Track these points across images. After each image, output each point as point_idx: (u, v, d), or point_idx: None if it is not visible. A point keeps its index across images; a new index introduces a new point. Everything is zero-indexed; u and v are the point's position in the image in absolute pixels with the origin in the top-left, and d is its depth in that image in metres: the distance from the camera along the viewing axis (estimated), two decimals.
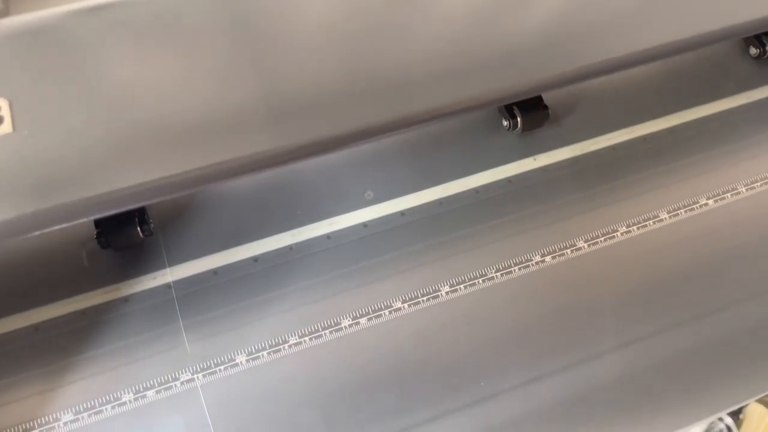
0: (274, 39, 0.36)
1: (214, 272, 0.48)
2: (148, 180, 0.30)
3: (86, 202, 0.30)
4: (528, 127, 0.55)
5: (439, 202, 0.53)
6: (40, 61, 0.34)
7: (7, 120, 0.31)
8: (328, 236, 0.51)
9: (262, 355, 0.46)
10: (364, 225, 0.52)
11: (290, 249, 0.50)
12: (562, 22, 0.38)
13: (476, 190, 0.54)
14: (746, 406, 0.80)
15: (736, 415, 0.81)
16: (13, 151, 0.30)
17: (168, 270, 0.48)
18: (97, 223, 0.45)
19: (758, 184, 0.56)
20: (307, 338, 0.47)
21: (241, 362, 0.45)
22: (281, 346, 0.46)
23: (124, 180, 0.30)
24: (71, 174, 0.30)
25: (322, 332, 0.47)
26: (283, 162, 0.33)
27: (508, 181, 0.54)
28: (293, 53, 0.36)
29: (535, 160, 0.56)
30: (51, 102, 0.32)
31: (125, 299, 0.47)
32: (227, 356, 0.45)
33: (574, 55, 0.37)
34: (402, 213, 0.52)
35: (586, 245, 0.52)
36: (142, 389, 0.44)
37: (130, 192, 0.30)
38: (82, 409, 0.43)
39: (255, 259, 0.49)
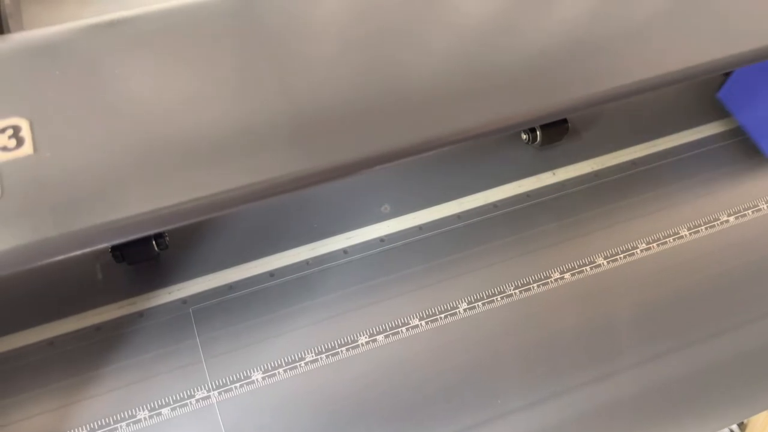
0: (300, 58, 0.35)
1: (230, 287, 0.48)
2: (174, 203, 0.30)
3: (110, 227, 0.29)
4: (547, 141, 0.55)
5: (458, 217, 0.52)
6: (61, 78, 0.33)
7: (28, 141, 0.30)
8: (345, 251, 0.50)
9: (279, 372, 0.45)
10: (381, 239, 0.51)
11: (307, 263, 0.49)
12: (594, 42, 0.38)
13: (495, 205, 0.53)
14: None
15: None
16: (35, 174, 0.29)
17: (183, 284, 0.47)
18: None
19: None
20: (323, 355, 0.46)
21: (257, 379, 0.45)
22: (297, 364, 0.46)
23: (149, 203, 0.29)
24: (95, 197, 0.29)
25: (339, 349, 0.46)
26: (310, 184, 0.33)
27: (527, 195, 0.54)
28: (317, 72, 0.35)
29: (554, 174, 0.55)
30: (73, 122, 0.31)
31: (140, 314, 0.46)
32: (243, 373, 0.45)
33: (609, 75, 0.36)
34: (420, 227, 0.52)
35: (605, 262, 0.52)
36: (157, 406, 0.43)
37: (157, 215, 0.29)
38: (96, 427, 0.42)
39: (271, 274, 0.49)
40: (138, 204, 0.30)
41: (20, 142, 0.30)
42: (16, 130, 0.31)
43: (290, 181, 0.32)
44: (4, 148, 0.30)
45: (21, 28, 0.73)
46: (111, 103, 0.33)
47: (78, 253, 0.30)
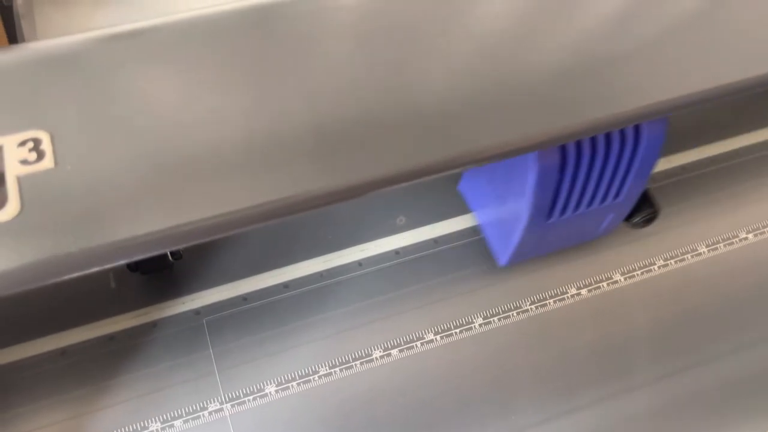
0: (320, 72, 0.35)
1: (244, 298, 0.47)
2: (196, 219, 0.29)
3: (131, 243, 0.28)
4: None
5: (473, 230, 0.52)
6: (82, 89, 0.33)
7: (49, 154, 0.30)
8: (359, 263, 0.50)
9: (292, 385, 0.45)
10: (396, 252, 0.51)
11: (321, 275, 0.49)
12: (616, 62, 0.37)
13: None
14: None
15: None
16: (56, 188, 0.29)
17: (197, 295, 0.47)
18: None
19: None
20: (337, 369, 0.46)
21: (270, 392, 0.44)
22: (311, 377, 0.45)
23: (171, 219, 0.29)
24: (116, 213, 0.29)
25: (353, 363, 0.46)
26: (334, 201, 0.32)
27: None
28: (340, 89, 0.34)
29: None
30: (94, 134, 0.31)
31: (153, 324, 0.46)
32: (257, 386, 0.44)
33: (633, 96, 0.36)
34: (435, 240, 0.51)
35: (622, 278, 0.51)
36: (169, 418, 0.43)
37: (179, 232, 0.29)
38: None
39: (285, 285, 0.48)
40: (159, 220, 0.29)
41: (41, 155, 0.30)
42: (37, 143, 0.30)
43: (313, 198, 0.32)
44: (25, 162, 0.30)
45: (34, 29, 0.72)
46: (132, 116, 0.32)
47: (98, 269, 0.30)
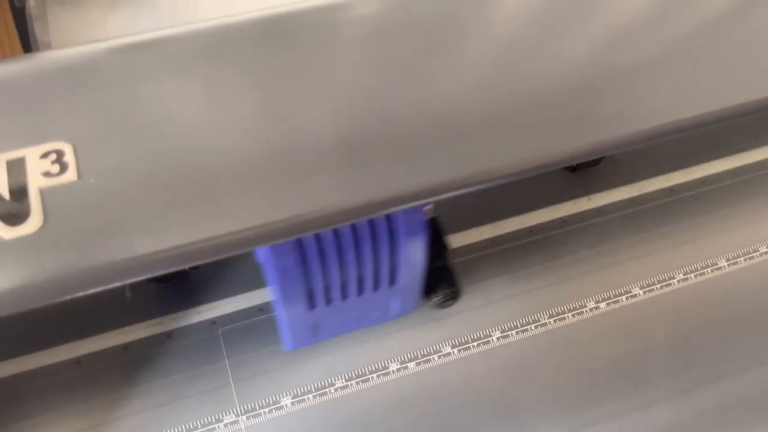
0: (339, 85, 0.34)
1: (260, 308, 0.47)
2: (220, 234, 0.29)
3: (155, 258, 0.28)
4: (584, 166, 0.54)
5: (491, 241, 0.51)
6: (104, 99, 0.32)
7: (72, 167, 0.30)
8: None
9: (308, 398, 0.44)
10: None
11: None
12: (635, 79, 0.37)
13: (530, 230, 0.52)
14: None
15: None
16: (80, 201, 0.29)
17: (213, 305, 0.47)
18: None
19: None
20: (354, 381, 0.45)
21: (286, 404, 0.44)
22: (327, 389, 0.45)
23: (195, 234, 0.29)
24: (140, 227, 0.28)
25: (370, 376, 0.45)
26: (354, 218, 0.32)
27: (563, 221, 0.53)
28: (364, 103, 0.34)
29: (589, 200, 0.54)
30: (116, 147, 0.30)
31: (168, 334, 0.45)
32: (272, 398, 0.44)
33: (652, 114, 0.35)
34: (454, 252, 0.51)
35: (641, 292, 0.51)
36: (185, 430, 0.42)
37: (202, 247, 0.28)
38: None
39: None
40: (182, 235, 0.29)
41: (64, 167, 0.30)
42: (60, 154, 0.30)
43: (334, 214, 0.31)
44: (48, 174, 0.29)
45: (47, 31, 0.72)
46: (154, 128, 0.32)
47: (120, 284, 0.29)
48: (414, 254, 0.39)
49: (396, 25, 0.37)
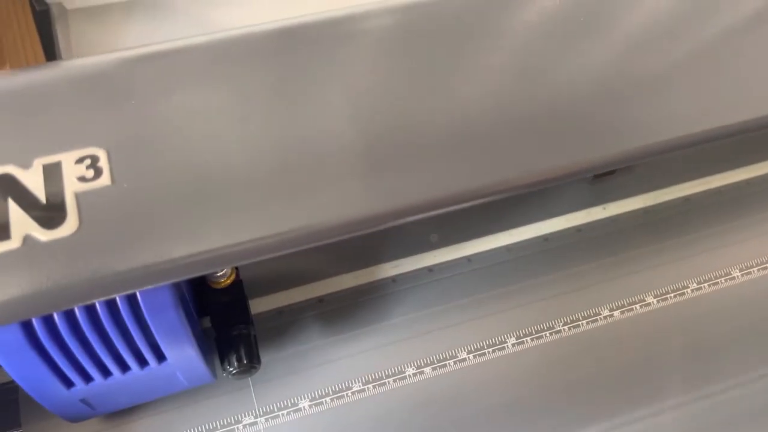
0: (362, 93, 0.35)
1: (279, 312, 0.48)
2: (251, 238, 0.30)
3: (188, 261, 0.29)
4: (599, 175, 0.54)
5: (507, 249, 0.52)
6: (137, 106, 0.33)
7: (106, 172, 0.30)
8: (393, 279, 0.50)
9: (326, 401, 0.45)
10: (429, 269, 0.51)
11: (354, 291, 0.49)
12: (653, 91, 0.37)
13: (545, 238, 0.53)
14: None
15: None
16: (114, 205, 0.29)
17: None
18: None
19: None
20: (371, 385, 0.46)
21: (304, 407, 0.45)
22: (344, 393, 0.45)
23: (228, 238, 0.29)
24: (172, 231, 0.29)
25: (386, 380, 0.46)
26: (374, 226, 0.32)
27: (578, 230, 0.53)
28: (379, 111, 0.35)
29: (604, 209, 0.54)
30: (149, 152, 0.31)
31: None
32: (291, 400, 0.45)
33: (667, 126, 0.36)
34: (468, 259, 0.51)
35: (655, 301, 0.51)
36: (204, 431, 0.43)
37: (235, 251, 0.29)
38: None
39: (320, 300, 0.49)
40: (216, 238, 0.30)
41: (98, 172, 0.31)
42: (94, 160, 0.31)
43: (356, 222, 0.32)
44: (83, 178, 0.30)
45: (68, 36, 0.73)
46: (185, 134, 0.33)
47: (150, 287, 0.30)
48: (172, 331, 0.35)
49: (414, 35, 0.38)
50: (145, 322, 0.34)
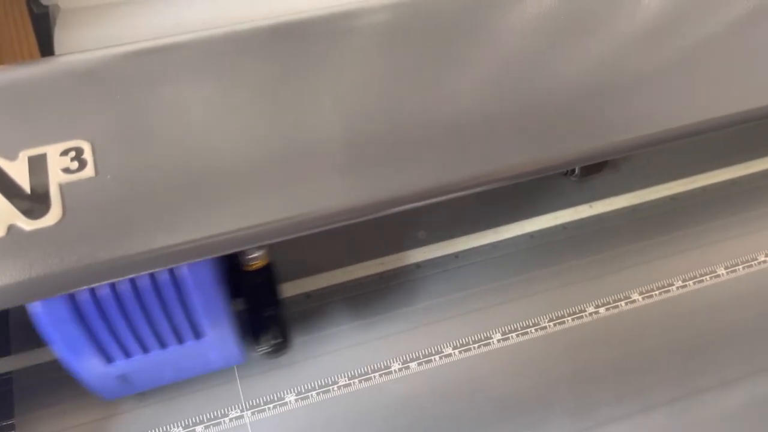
0: (349, 89, 0.36)
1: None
2: (231, 229, 0.30)
3: (167, 251, 0.29)
4: (585, 173, 0.55)
5: (493, 246, 0.53)
6: (120, 100, 0.34)
7: (90, 163, 0.31)
8: (380, 276, 0.51)
9: (311, 395, 0.45)
10: (417, 266, 0.51)
11: (342, 287, 0.50)
12: (636, 86, 0.38)
13: (531, 235, 0.53)
14: None
15: None
16: (97, 196, 0.30)
17: None
18: None
19: None
20: (356, 380, 0.46)
21: (290, 401, 0.45)
22: (331, 387, 0.46)
23: (207, 229, 0.30)
24: (154, 221, 0.30)
25: (372, 375, 0.47)
26: (359, 216, 0.33)
27: (563, 227, 0.54)
28: (367, 106, 0.35)
29: (591, 207, 0.55)
30: (132, 145, 0.32)
31: None
32: (277, 394, 0.45)
33: (649, 120, 0.37)
34: (456, 255, 0.52)
35: (640, 298, 0.51)
36: (191, 424, 0.44)
37: (214, 241, 0.30)
38: None
39: (308, 296, 0.49)
40: (194, 230, 0.30)
41: (82, 164, 0.31)
42: (79, 152, 0.31)
43: (341, 212, 0.33)
44: (67, 170, 0.31)
45: (65, 38, 0.74)
46: (168, 127, 0.33)
47: (133, 275, 0.31)
48: (210, 308, 0.37)
49: (404, 32, 0.39)
50: (187, 297, 0.36)
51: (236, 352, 0.42)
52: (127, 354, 0.38)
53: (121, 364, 0.38)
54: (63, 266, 0.29)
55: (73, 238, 0.29)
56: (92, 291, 0.34)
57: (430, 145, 0.34)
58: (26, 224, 0.29)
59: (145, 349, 0.38)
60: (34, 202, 0.30)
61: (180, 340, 0.38)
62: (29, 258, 0.29)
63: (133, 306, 0.35)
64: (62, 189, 0.30)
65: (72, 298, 0.34)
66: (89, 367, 0.38)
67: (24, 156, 0.31)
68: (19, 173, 0.30)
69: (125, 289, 0.34)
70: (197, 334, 0.38)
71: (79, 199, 0.30)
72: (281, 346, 0.44)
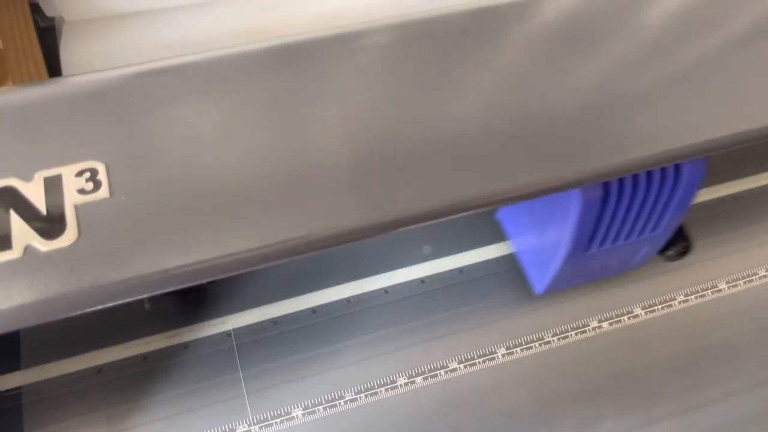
0: (355, 109, 0.37)
1: (274, 322, 0.49)
2: (249, 248, 0.31)
3: (182, 271, 0.30)
4: None
5: (497, 261, 0.53)
6: (134, 122, 0.34)
7: (105, 185, 0.32)
8: (385, 290, 0.51)
9: (318, 409, 0.46)
10: (422, 281, 0.52)
11: (348, 302, 0.50)
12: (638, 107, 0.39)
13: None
14: None
15: None
16: (112, 217, 0.31)
17: (228, 317, 0.48)
18: None
19: None
20: (363, 395, 0.47)
21: (297, 416, 0.45)
22: (337, 402, 0.46)
23: (220, 249, 0.30)
24: (167, 242, 0.30)
25: (378, 389, 0.47)
26: (367, 236, 0.34)
27: None
28: (372, 127, 0.36)
29: None
30: (146, 167, 0.33)
31: (185, 345, 0.47)
32: (284, 409, 0.46)
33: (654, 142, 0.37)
34: (460, 270, 0.52)
35: (643, 313, 0.52)
36: None
37: (232, 260, 0.30)
38: None
39: (313, 311, 0.50)
40: (207, 250, 0.31)
41: (97, 185, 0.32)
42: (93, 173, 0.32)
43: (349, 232, 0.33)
44: (82, 191, 0.31)
45: (72, 54, 0.74)
46: (181, 149, 0.34)
47: (148, 295, 0.31)
48: (683, 203, 0.42)
49: (408, 53, 0.39)
50: (677, 190, 0.40)
51: (655, 252, 0.47)
52: (602, 243, 0.42)
53: (587, 255, 0.43)
54: (78, 286, 0.29)
55: (89, 259, 0.30)
56: (620, 178, 0.38)
57: (436, 164, 0.35)
58: (42, 245, 0.30)
59: (615, 239, 0.42)
60: (50, 223, 0.30)
61: (641, 232, 0.42)
62: (45, 278, 0.29)
63: (640, 195, 0.39)
64: (77, 210, 0.31)
65: (605, 184, 0.38)
66: (572, 253, 0.42)
67: (39, 177, 0.31)
68: (35, 194, 0.31)
69: (641, 178, 0.39)
70: (655, 228, 0.42)
71: (95, 220, 0.31)
72: (687, 248, 0.50)
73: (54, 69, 0.70)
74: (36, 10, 0.64)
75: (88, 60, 0.72)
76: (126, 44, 0.74)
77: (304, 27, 0.41)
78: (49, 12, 0.66)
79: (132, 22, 0.75)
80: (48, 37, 0.70)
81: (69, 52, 0.74)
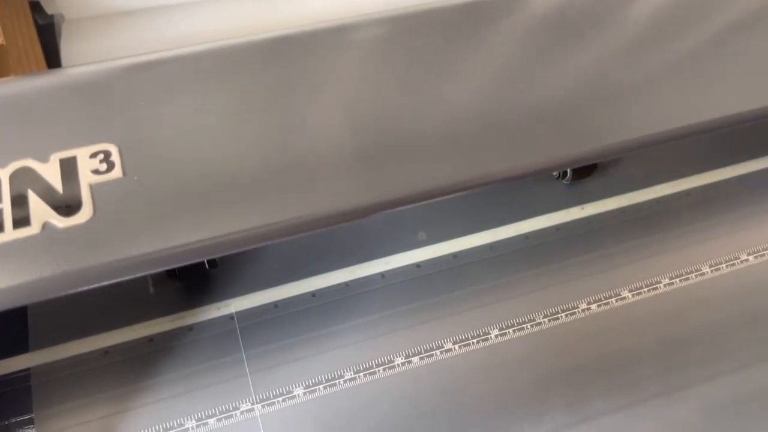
0: (351, 97, 0.38)
1: (275, 305, 0.50)
2: (254, 226, 0.32)
3: (193, 247, 0.32)
4: (577, 177, 0.57)
5: (490, 246, 0.55)
6: (145, 107, 0.36)
7: (118, 165, 0.33)
8: (382, 275, 0.53)
9: (319, 388, 0.47)
10: (417, 265, 0.54)
11: (346, 286, 0.52)
12: (624, 91, 0.40)
13: (526, 236, 0.56)
14: None
15: None
16: (125, 196, 0.32)
17: (231, 301, 0.50)
18: None
19: None
20: (361, 374, 0.48)
21: (298, 394, 0.47)
22: (337, 381, 0.48)
23: (229, 226, 0.32)
24: (178, 220, 0.32)
25: (376, 369, 0.49)
26: (363, 216, 0.35)
27: (557, 228, 0.56)
28: (368, 113, 0.38)
29: (582, 209, 0.58)
30: (157, 148, 0.34)
31: (190, 328, 0.49)
32: (286, 388, 0.47)
33: (634, 124, 0.39)
34: (454, 255, 0.54)
35: (630, 295, 0.54)
36: (204, 417, 0.46)
37: (238, 237, 0.32)
38: None
39: (313, 294, 0.51)
40: (216, 227, 0.32)
41: (111, 166, 0.33)
42: (107, 155, 0.34)
43: (342, 213, 0.35)
44: (97, 171, 0.33)
45: (72, 48, 0.75)
46: (190, 132, 0.35)
47: (160, 270, 0.33)
48: None
49: (403, 45, 0.41)
50: None
51: None
52: None
53: None
54: (95, 260, 0.31)
55: (104, 235, 0.31)
56: None
57: (429, 148, 0.37)
58: (60, 222, 0.31)
59: None
60: (67, 201, 0.32)
61: None
62: (63, 253, 0.31)
63: None
64: (92, 189, 0.32)
65: None
66: None
67: (55, 158, 0.33)
68: (51, 174, 0.33)
69: None
70: None
71: (109, 199, 0.32)
72: None
73: (54, 66, 0.71)
74: (36, 8, 0.65)
75: (87, 57, 0.74)
76: (126, 41, 0.76)
77: (304, 23, 0.43)
78: (49, 10, 0.67)
79: (131, 20, 0.76)
80: (48, 34, 0.71)
81: (69, 49, 0.75)
